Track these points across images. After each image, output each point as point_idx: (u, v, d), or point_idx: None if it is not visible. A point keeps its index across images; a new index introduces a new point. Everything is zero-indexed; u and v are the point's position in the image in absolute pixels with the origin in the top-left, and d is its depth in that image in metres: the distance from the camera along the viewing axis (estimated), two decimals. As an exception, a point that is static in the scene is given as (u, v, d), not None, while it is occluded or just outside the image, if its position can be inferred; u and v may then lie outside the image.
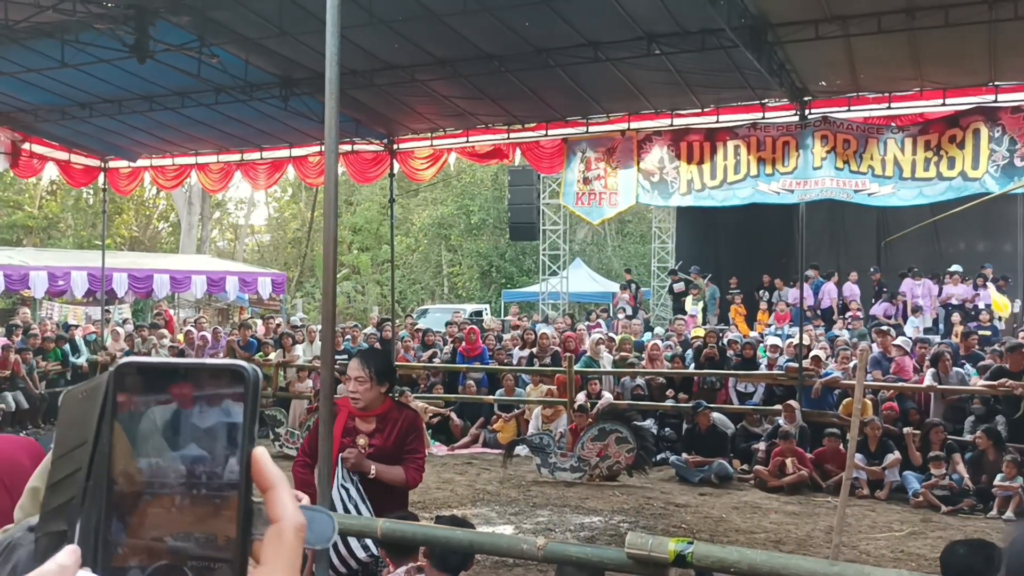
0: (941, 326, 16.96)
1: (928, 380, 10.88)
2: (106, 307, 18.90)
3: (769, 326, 17.86)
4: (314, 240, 43.02)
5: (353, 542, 4.11)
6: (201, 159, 14.36)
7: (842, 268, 20.02)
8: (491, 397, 13.14)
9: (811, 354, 11.51)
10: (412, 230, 38.87)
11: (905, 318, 17.00)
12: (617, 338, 13.80)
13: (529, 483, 10.50)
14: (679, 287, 19.72)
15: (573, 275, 24.34)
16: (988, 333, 14.17)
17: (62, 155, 14.27)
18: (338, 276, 26.25)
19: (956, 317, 16.16)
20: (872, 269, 18.82)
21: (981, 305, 16.99)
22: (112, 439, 0.55)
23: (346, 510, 4.08)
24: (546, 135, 12.46)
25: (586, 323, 18.37)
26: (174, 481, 0.55)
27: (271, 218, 48.81)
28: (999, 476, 9.30)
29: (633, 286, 21.72)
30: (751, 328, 17.81)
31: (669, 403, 12.32)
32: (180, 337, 15.87)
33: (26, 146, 13.71)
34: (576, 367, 12.63)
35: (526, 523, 8.60)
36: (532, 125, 12.48)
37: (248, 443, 0.57)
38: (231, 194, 42.70)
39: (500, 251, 33.45)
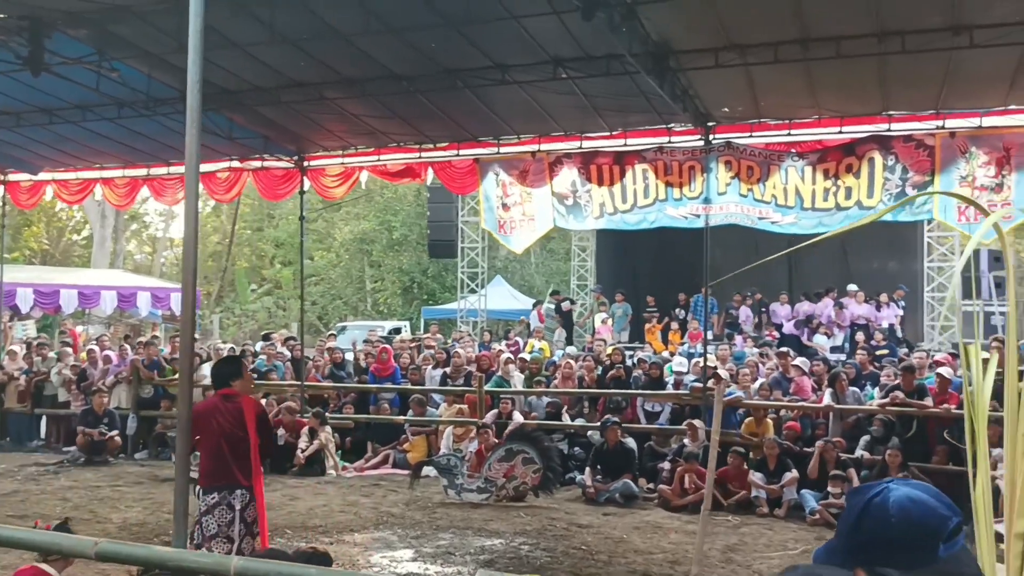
0: (847, 345, 17.40)
1: (827, 400, 11.16)
2: (8, 323, 18.29)
3: (682, 344, 18.09)
4: (235, 254, 42.34)
5: None
6: (106, 173, 14.04)
7: (754, 289, 20.46)
8: (402, 418, 13.03)
9: (715, 373, 11.68)
10: (334, 245, 38.49)
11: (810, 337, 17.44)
12: (528, 356, 13.85)
13: (435, 505, 10.43)
14: (566, 306, 20.00)
15: (493, 292, 24.33)
16: (885, 352, 14.57)
17: (-42, 167, 13.80)
18: (260, 291, 25.95)
19: (860, 336, 16.60)
20: (749, 292, 19.30)
21: (885, 324, 17.51)
22: None
23: None
24: (458, 155, 12.50)
25: (504, 343, 18.34)
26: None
27: (191, 231, 47.83)
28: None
29: (556, 304, 21.64)
30: (665, 346, 18.06)
31: (579, 422, 12.39)
32: (83, 356, 15.41)
33: (-82, 157, 13.23)
34: (487, 387, 12.63)
35: (426, 547, 8.53)
36: (444, 145, 12.49)
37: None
38: (150, 206, 41.81)
39: (423, 267, 33.32)
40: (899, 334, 17.73)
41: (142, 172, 13.76)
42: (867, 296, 17.89)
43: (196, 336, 19.38)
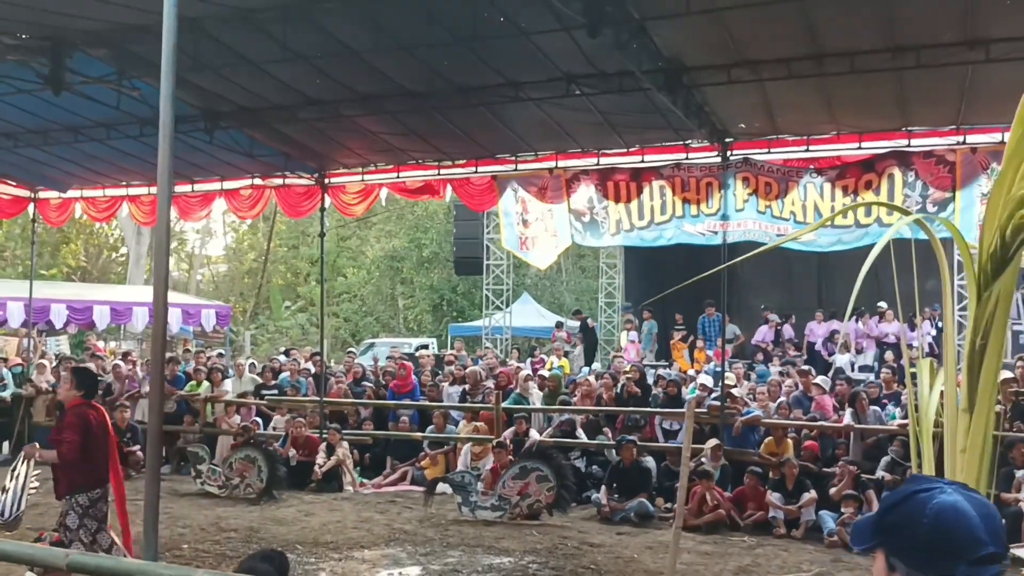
0: (876, 364, 17.11)
1: (847, 419, 10.97)
2: (40, 339, 18.59)
3: (709, 362, 17.91)
4: (270, 271, 42.77)
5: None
6: (132, 191, 14.26)
7: (785, 307, 20.24)
8: (419, 434, 13.03)
9: (729, 392, 11.53)
10: (366, 262, 38.74)
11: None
12: (547, 373, 13.79)
13: (449, 522, 10.39)
14: (591, 322, 20.01)
15: (520, 310, 24.30)
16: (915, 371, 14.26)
17: (-11, 184, 14.11)
18: (294, 308, 26.19)
19: (889, 355, 16.32)
20: (763, 307, 19.09)
21: (916, 344, 17.18)
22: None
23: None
24: (476, 172, 12.51)
25: (529, 360, 18.30)
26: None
27: (229, 248, 48.46)
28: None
29: (581, 322, 21.54)
30: (692, 364, 17.88)
31: (598, 440, 12.29)
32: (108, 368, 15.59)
33: (-51, 175, 13.55)
34: (505, 404, 12.59)
35: (434, 564, 8.50)
36: (462, 162, 12.52)
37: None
38: (187, 224, 42.38)
39: (452, 284, 33.38)
40: (935, 353, 17.39)
41: (167, 190, 13.92)
42: (898, 315, 17.58)
43: (223, 352, 19.59)
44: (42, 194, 14.80)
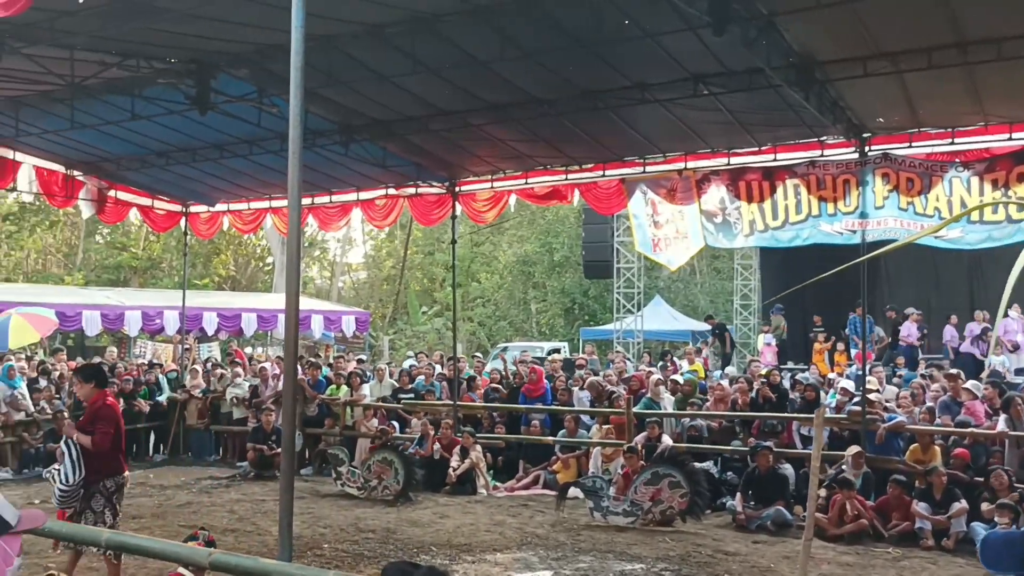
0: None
1: (1001, 426, 10.36)
2: (196, 344, 19.66)
3: (850, 365, 17.27)
4: (407, 277, 43.85)
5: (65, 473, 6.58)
6: (275, 203, 14.88)
7: (934, 307, 19.32)
8: (551, 438, 13.07)
9: (868, 397, 11.04)
10: (499, 267, 39.19)
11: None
12: (680, 378, 13.58)
13: (581, 527, 10.38)
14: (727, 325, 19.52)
15: (652, 313, 24.03)
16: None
17: (145, 201, 15.02)
18: (431, 312, 26.86)
19: (1048, 358, 15.36)
20: (887, 307, 18.17)
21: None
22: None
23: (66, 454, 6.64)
24: (603, 176, 12.47)
25: (660, 364, 18.08)
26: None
27: (368, 256, 49.95)
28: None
29: (714, 327, 21.09)
30: (831, 368, 17.30)
31: (734, 444, 12.03)
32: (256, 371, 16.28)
33: (112, 193, 14.48)
34: (636, 408, 12.48)
35: (566, 569, 8.50)
36: (589, 166, 12.51)
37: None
38: (331, 233, 43.88)
39: (583, 288, 33.35)
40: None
41: (307, 201, 14.44)
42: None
43: (363, 357, 20.15)
44: (192, 208, 15.66)
